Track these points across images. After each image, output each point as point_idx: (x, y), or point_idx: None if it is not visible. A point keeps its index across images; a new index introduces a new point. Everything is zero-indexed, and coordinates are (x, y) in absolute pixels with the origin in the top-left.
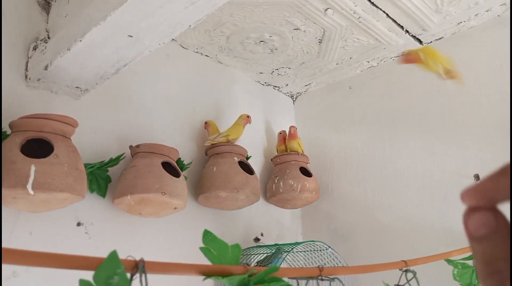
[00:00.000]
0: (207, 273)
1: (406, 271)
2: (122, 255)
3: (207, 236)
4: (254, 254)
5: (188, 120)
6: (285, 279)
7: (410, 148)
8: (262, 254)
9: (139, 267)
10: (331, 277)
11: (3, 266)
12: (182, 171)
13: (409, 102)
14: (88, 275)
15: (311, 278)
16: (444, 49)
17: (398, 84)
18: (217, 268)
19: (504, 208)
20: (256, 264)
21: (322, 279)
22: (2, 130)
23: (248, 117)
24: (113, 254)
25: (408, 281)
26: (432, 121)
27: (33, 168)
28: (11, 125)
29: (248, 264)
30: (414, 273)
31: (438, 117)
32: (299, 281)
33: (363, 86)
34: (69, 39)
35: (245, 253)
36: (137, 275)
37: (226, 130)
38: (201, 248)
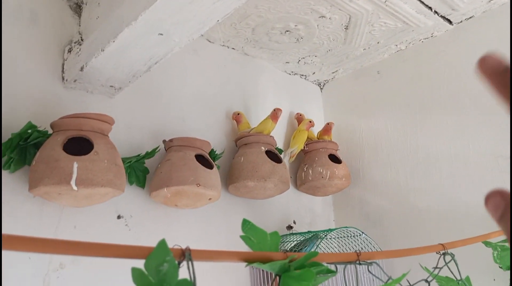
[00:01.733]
0: (249, 259)
1: (444, 254)
2: None
3: (246, 224)
4: (287, 241)
5: (218, 112)
6: (324, 264)
7: (442, 130)
8: (295, 241)
9: (185, 255)
10: (369, 261)
11: (51, 258)
12: (215, 161)
13: (440, 84)
14: (130, 264)
15: (349, 263)
16: (475, 28)
17: (428, 66)
18: (258, 255)
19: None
20: (289, 250)
21: (360, 264)
22: (44, 130)
23: (275, 110)
24: (162, 243)
25: (446, 263)
26: (463, 102)
27: (75, 165)
28: (52, 125)
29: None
30: (452, 255)
31: (470, 98)
32: (337, 266)
33: (392, 70)
34: (102, 40)
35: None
36: (183, 262)
37: (256, 127)
38: (241, 236)
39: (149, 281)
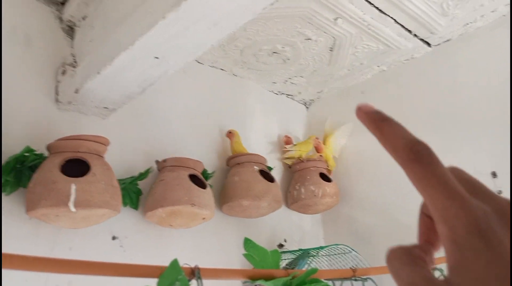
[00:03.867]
0: (253, 277)
1: (433, 269)
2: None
3: (248, 243)
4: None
5: (208, 132)
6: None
7: None
8: (286, 260)
9: (195, 273)
10: (364, 277)
11: (59, 277)
12: (206, 180)
13: (421, 103)
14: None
15: (346, 279)
16: (452, 50)
17: (409, 86)
18: (262, 273)
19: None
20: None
21: (356, 280)
22: (40, 153)
23: (317, 138)
24: (175, 262)
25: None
26: (445, 121)
27: (73, 186)
28: (48, 147)
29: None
30: (441, 270)
31: (451, 116)
32: (334, 282)
33: (375, 90)
34: (98, 63)
35: None
36: (193, 281)
37: (299, 145)
38: (244, 255)
39: None
